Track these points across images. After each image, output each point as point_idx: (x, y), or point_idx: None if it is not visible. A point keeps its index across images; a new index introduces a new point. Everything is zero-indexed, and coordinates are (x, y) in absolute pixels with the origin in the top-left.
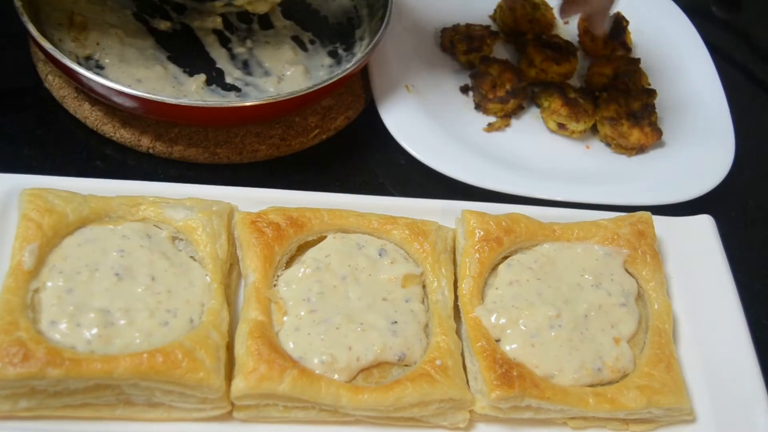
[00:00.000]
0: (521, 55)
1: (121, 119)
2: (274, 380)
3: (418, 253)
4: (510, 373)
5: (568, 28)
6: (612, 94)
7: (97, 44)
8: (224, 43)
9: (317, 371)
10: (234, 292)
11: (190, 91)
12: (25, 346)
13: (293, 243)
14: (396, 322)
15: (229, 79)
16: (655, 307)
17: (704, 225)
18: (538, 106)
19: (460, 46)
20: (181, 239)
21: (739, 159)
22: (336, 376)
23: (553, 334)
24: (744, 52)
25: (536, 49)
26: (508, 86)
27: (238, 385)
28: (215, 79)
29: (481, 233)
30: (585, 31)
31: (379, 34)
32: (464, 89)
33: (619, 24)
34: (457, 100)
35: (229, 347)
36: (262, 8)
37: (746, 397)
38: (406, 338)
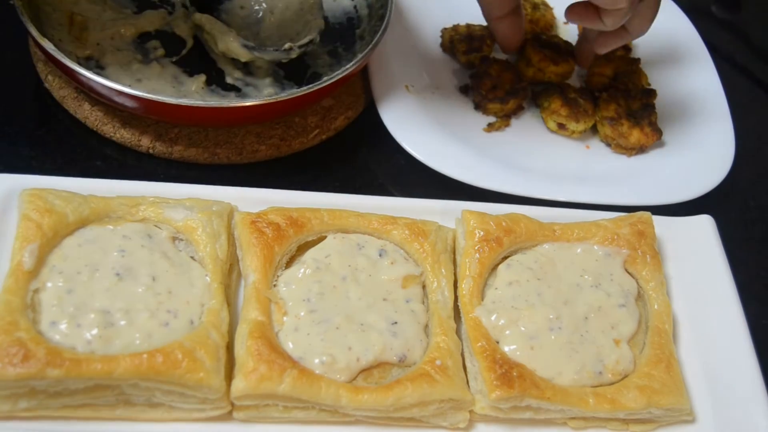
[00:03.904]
0: (520, 54)
1: (121, 119)
2: (274, 380)
3: (418, 253)
4: (510, 374)
5: (568, 28)
6: (612, 94)
7: (97, 44)
8: None
9: (317, 371)
10: (234, 292)
11: (190, 91)
12: (25, 346)
13: (293, 243)
14: (396, 322)
15: (229, 80)
16: (655, 307)
17: (704, 225)
18: (538, 106)
19: (460, 46)
20: (181, 239)
21: (739, 159)
22: (336, 377)
23: (552, 337)
24: (744, 52)
25: (534, 48)
26: (507, 86)
27: (238, 385)
28: (215, 79)
29: (481, 233)
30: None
31: (379, 34)
32: (464, 89)
33: None
34: (457, 100)
35: (229, 347)
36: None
37: (746, 397)
38: (407, 339)
